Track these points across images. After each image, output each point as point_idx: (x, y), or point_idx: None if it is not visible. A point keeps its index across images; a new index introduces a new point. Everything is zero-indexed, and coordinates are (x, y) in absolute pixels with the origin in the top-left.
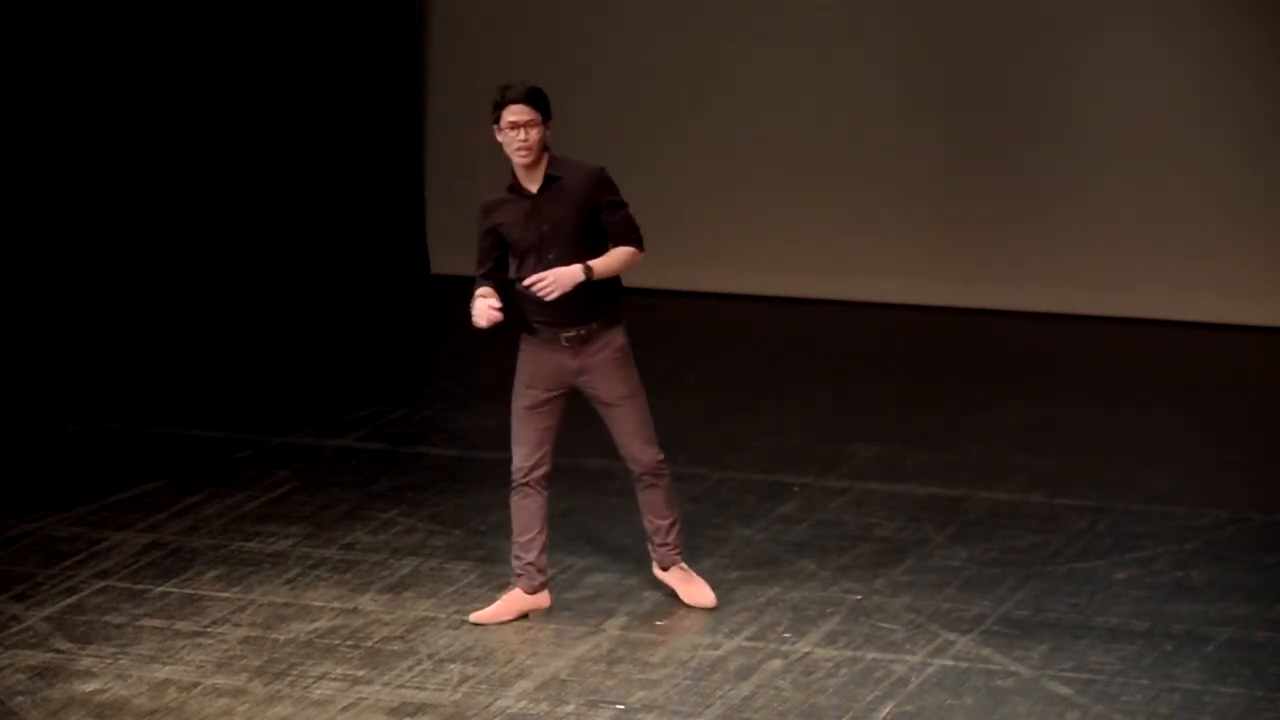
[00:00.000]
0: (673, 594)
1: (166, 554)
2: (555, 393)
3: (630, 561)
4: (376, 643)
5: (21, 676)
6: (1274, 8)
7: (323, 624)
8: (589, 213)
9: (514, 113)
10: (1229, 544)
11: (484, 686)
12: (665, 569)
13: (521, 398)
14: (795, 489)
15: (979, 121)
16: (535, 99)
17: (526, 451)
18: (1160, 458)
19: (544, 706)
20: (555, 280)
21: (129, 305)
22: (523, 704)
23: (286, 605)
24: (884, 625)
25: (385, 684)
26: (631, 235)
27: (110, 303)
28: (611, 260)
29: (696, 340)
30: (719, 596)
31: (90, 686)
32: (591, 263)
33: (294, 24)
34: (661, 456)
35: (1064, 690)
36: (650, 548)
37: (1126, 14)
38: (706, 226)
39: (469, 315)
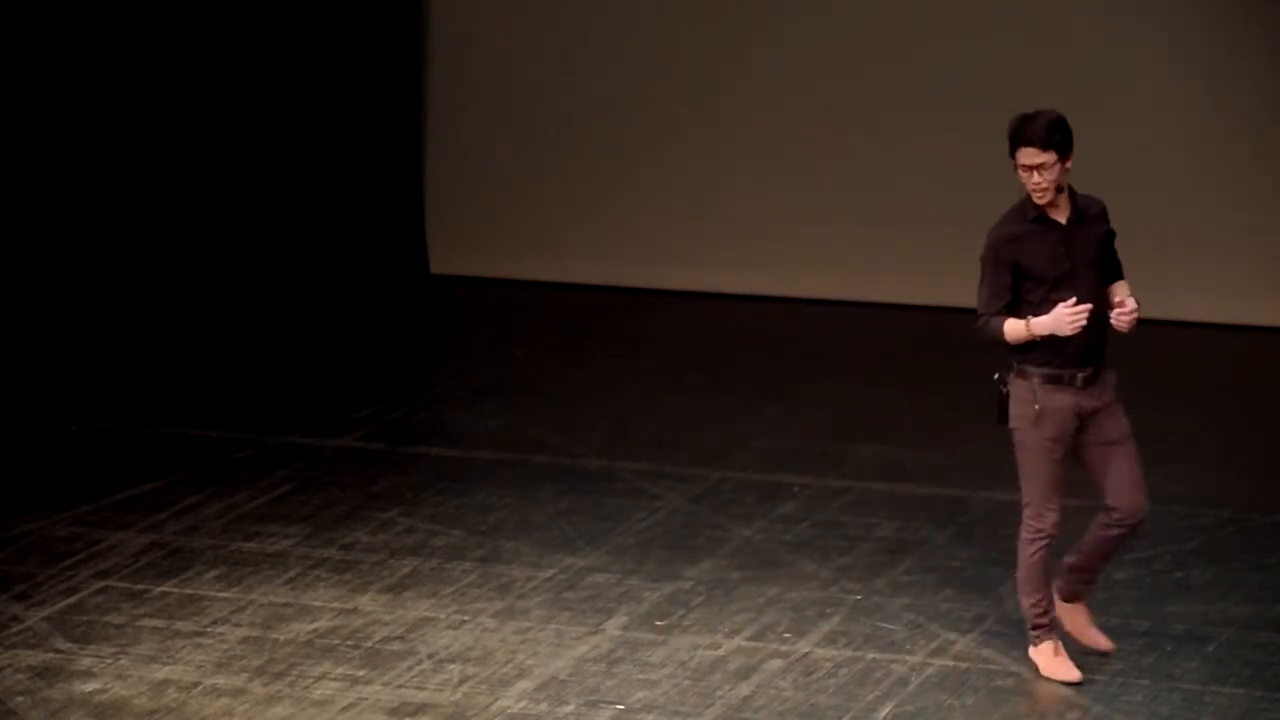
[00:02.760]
0: (682, 596)
1: (166, 554)
2: (1071, 440)
3: (630, 561)
4: (376, 643)
5: (21, 676)
6: (1273, 7)
7: (323, 624)
8: (1105, 243)
9: (1025, 155)
10: (1229, 544)
11: (484, 686)
12: (1073, 600)
13: (1049, 449)
14: (795, 489)
15: (979, 121)
16: (1048, 142)
17: (1058, 506)
18: (1160, 458)
19: (544, 706)
20: (1137, 307)
21: (129, 305)
22: (523, 704)
23: (286, 605)
24: (884, 625)
25: (385, 684)
26: (1120, 266)
27: (110, 302)
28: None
29: (696, 340)
30: (719, 596)
31: (90, 686)
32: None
33: (294, 23)
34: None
35: (1064, 690)
36: (1064, 579)
37: (1128, 14)
38: (707, 227)
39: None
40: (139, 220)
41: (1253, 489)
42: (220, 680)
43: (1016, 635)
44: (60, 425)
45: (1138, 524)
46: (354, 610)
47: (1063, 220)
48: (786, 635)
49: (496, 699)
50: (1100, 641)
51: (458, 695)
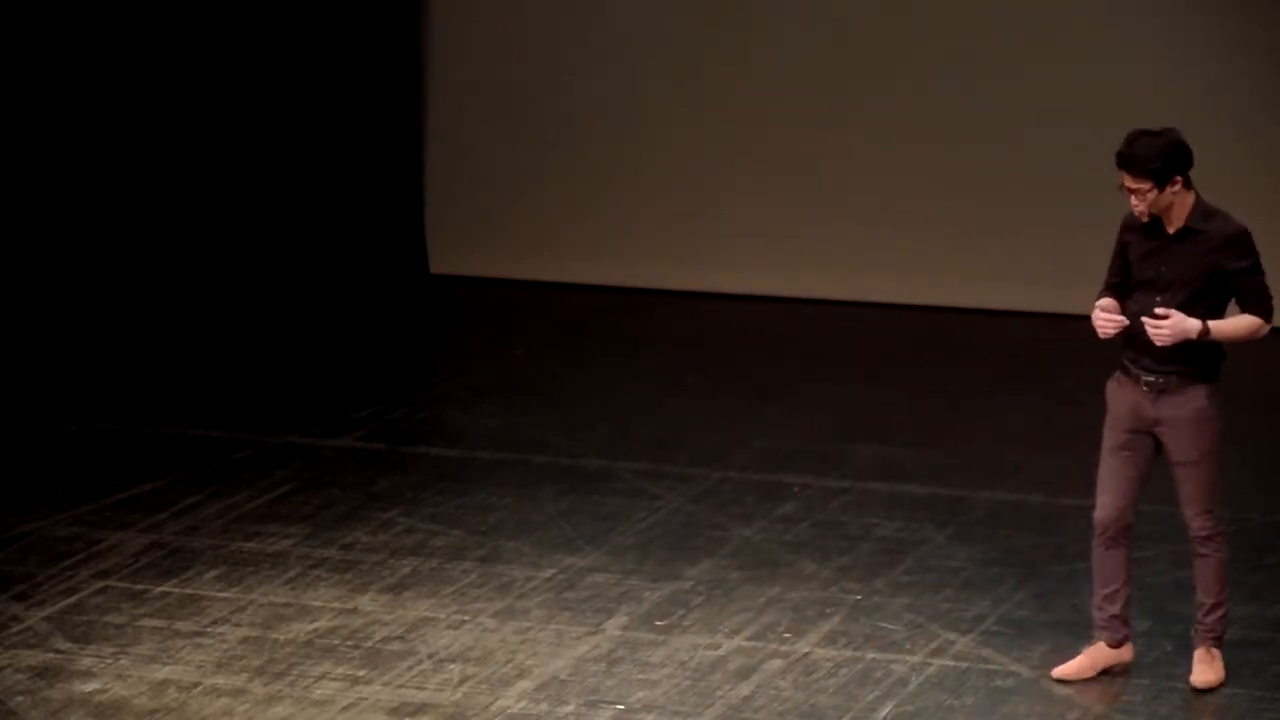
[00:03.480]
0: (682, 596)
1: (166, 554)
2: (1136, 436)
3: (630, 561)
4: (376, 643)
5: (21, 676)
6: (1274, 7)
7: (323, 624)
8: (1217, 273)
9: (1123, 177)
10: (1229, 544)
11: (484, 686)
12: (1196, 646)
13: (1108, 438)
14: (795, 489)
15: (980, 121)
16: (1144, 171)
17: (1107, 500)
18: (1160, 458)
19: (544, 706)
20: (1172, 327)
21: (128, 305)
22: (523, 704)
23: (286, 605)
24: (884, 625)
25: (385, 684)
26: (1261, 305)
27: (110, 302)
28: (1231, 327)
29: (696, 340)
30: (719, 596)
31: (90, 686)
32: (1211, 323)
33: (293, 23)
34: (1213, 531)
35: (1064, 690)
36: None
37: (1126, 13)
38: (706, 227)
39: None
40: (139, 220)
41: (1253, 489)
42: (220, 680)
43: (1016, 635)
44: (60, 425)
45: (1198, 540)
46: (354, 610)
47: (1170, 230)
48: (786, 635)
49: (496, 699)
50: (1208, 679)
51: (458, 695)
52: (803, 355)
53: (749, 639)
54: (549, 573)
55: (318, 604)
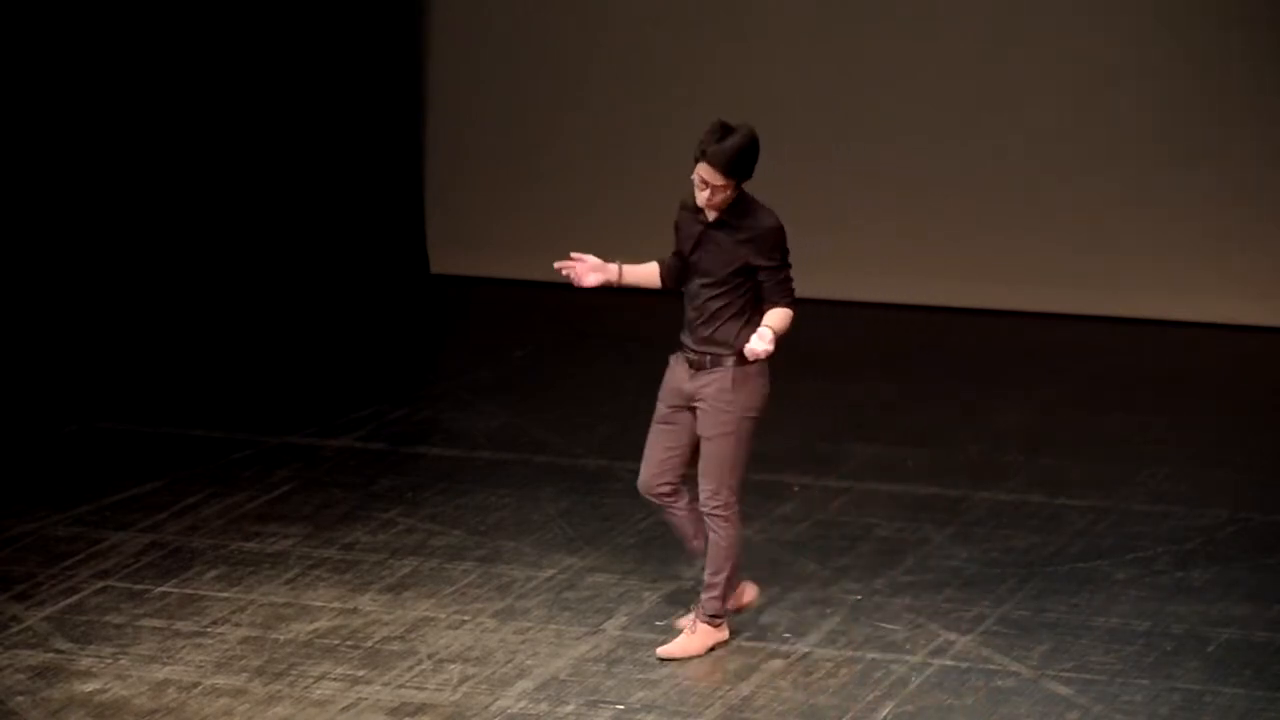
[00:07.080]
0: (682, 596)
1: (166, 554)
2: (677, 412)
3: (630, 561)
4: (376, 643)
5: (21, 676)
6: (1273, 5)
7: (323, 624)
8: (745, 266)
9: (699, 169)
10: (1229, 544)
11: (484, 686)
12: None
13: (657, 410)
14: (795, 489)
15: (978, 121)
16: (722, 164)
17: (645, 469)
18: (1160, 458)
19: (544, 706)
20: (769, 345)
21: (129, 305)
22: (523, 704)
23: (286, 605)
24: (884, 625)
25: (385, 684)
26: (785, 295)
27: (110, 302)
28: (779, 321)
29: None
30: None
31: (90, 686)
32: (772, 326)
33: (294, 24)
34: (718, 509)
35: (1064, 690)
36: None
37: (1124, 12)
38: None
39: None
40: (139, 220)
41: (1253, 489)
42: (220, 680)
43: (1016, 635)
44: (60, 425)
45: (709, 514)
46: (354, 610)
47: (709, 219)
48: (786, 635)
49: (496, 699)
50: (671, 649)
51: (458, 695)
52: (803, 355)
53: (749, 639)
54: (549, 573)
55: (318, 604)
